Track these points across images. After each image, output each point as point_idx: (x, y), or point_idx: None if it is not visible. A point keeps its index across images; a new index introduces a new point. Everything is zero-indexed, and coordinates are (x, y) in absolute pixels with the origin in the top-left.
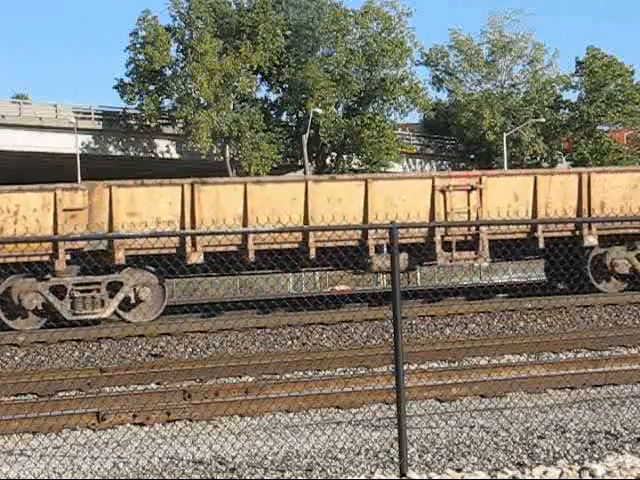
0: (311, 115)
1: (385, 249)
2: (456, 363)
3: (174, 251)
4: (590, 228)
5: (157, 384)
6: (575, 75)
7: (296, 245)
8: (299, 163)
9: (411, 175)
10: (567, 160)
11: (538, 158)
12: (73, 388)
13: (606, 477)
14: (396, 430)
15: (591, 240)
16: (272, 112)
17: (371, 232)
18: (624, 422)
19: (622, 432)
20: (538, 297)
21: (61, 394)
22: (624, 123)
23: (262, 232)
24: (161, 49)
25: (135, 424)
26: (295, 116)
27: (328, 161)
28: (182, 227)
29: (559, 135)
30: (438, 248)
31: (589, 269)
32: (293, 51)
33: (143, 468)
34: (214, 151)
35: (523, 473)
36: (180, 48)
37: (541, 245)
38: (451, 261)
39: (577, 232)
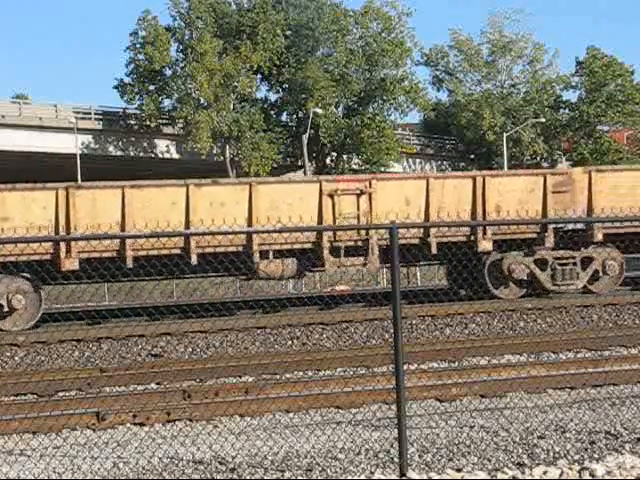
0: (311, 115)
1: (271, 254)
2: (456, 363)
3: (48, 257)
4: (485, 233)
5: (157, 384)
6: (575, 75)
7: (177, 251)
8: (299, 163)
9: (298, 179)
10: (567, 160)
11: (538, 158)
12: (73, 388)
13: (606, 477)
14: (396, 430)
15: (485, 245)
16: (272, 112)
17: (255, 237)
18: (624, 422)
19: (622, 432)
20: (538, 297)
21: (61, 394)
22: (624, 123)
23: (267, 231)
24: (161, 49)
25: (135, 424)
26: (295, 116)
27: (328, 161)
28: (56, 233)
29: (559, 135)
30: (326, 253)
31: (486, 275)
32: (293, 51)
33: (143, 468)
34: (214, 151)
35: (523, 473)
36: (180, 48)
37: (433, 250)
38: (339, 267)
39: (472, 237)
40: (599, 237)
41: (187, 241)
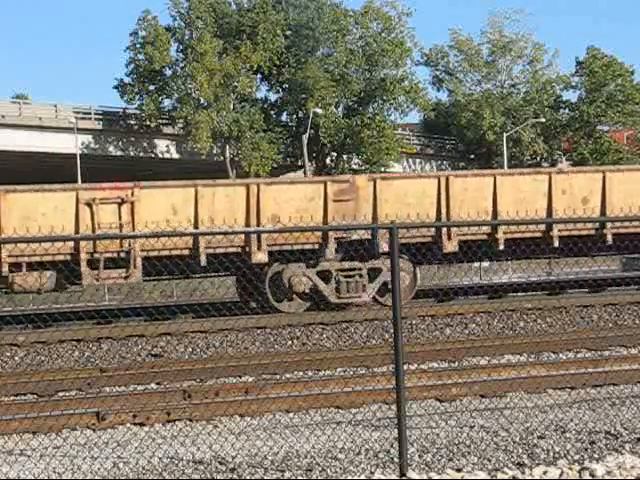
0: (311, 115)
1: (24, 267)
2: (456, 363)
3: None
4: (260, 243)
5: (157, 384)
6: (575, 75)
7: None
8: (299, 163)
9: (52, 187)
10: (567, 160)
11: (538, 158)
12: (73, 388)
13: (606, 477)
14: (396, 430)
15: (260, 257)
16: (272, 112)
17: (7, 247)
18: (624, 422)
19: (622, 432)
20: (538, 297)
21: (61, 394)
22: (624, 123)
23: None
24: (161, 49)
25: (135, 424)
26: (295, 116)
27: (328, 161)
28: None
29: (559, 135)
30: (83, 266)
31: (267, 288)
32: (293, 51)
33: (143, 468)
34: (214, 151)
35: (523, 473)
36: (180, 48)
37: (203, 262)
38: (98, 280)
39: (246, 248)
40: (384, 248)
41: None
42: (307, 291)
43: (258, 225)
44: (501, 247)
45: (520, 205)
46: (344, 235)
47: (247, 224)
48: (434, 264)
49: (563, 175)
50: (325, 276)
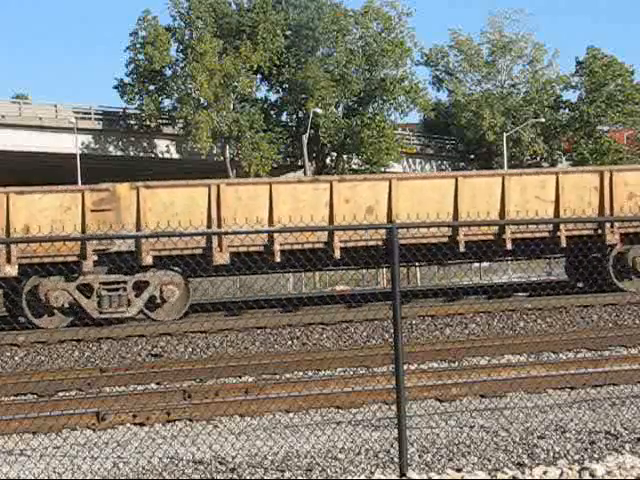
0: (311, 115)
1: None
2: (456, 363)
3: None
4: (9, 255)
5: (157, 384)
6: (575, 75)
7: None
8: (299, 163)
9: None
10: (567, 160)
11: (538, 158)
12: (73, 388)
13: (606, 477)
14: (396, 430)
15: (8, 269)
16: (272, 112)
17: None
18: (624, 422)
19: (622, 432)
20: (538, 297)
21: (61, 394)
22: (624, 123)
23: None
24: (161, 49)
25: (135, 424)
26: (295, 116)
27: (328, 161)
28: None
29: (559, 135)
30: None
31: (24, 302)
32: (293, 51)
33: (143, 468)
34: (214, 151)
35: (523, 473)
36: (180, 48)
37: None
38: None
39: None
40: (148, 260)
41: None
42: (67, 306)
43: (7, 234)
44: (278, 259)
45: (299, 214)
46: (105, 247)
47: None
48: (209, 277)
49: (346, 184)
50: (88, 290)
